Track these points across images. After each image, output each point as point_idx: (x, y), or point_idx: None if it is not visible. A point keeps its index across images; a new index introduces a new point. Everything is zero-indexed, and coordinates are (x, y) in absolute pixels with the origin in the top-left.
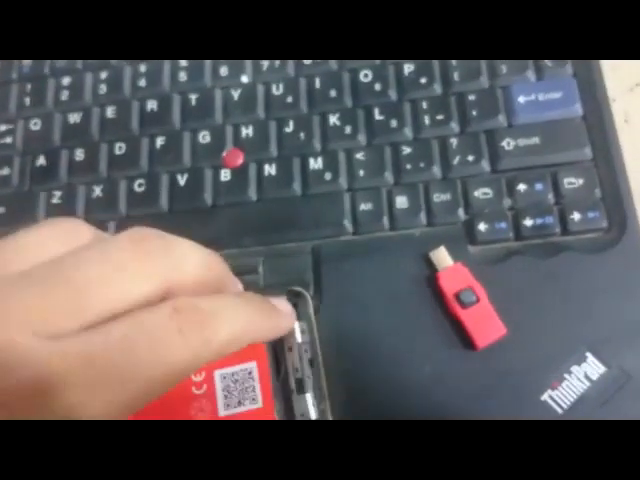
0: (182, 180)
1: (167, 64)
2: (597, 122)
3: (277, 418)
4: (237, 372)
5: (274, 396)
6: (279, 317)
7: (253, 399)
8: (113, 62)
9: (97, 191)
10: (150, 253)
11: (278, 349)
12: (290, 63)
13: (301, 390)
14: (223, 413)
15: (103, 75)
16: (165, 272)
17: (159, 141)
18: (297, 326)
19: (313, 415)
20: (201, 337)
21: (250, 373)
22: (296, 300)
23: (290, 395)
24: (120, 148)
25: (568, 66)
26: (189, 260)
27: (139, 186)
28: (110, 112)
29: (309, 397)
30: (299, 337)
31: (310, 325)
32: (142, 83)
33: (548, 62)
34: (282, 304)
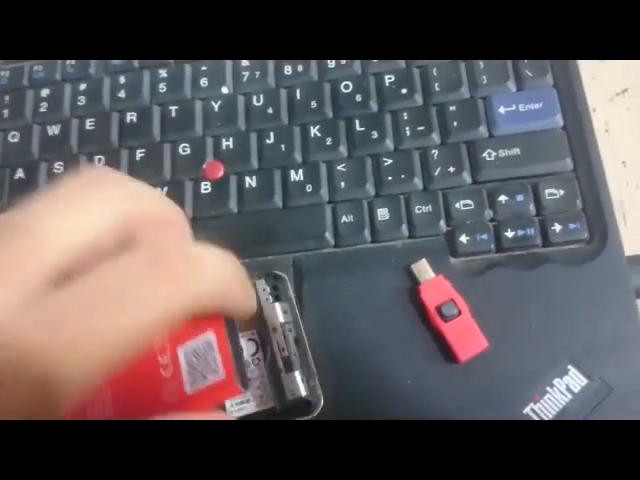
0: (162, 193)
1: (146, 75)
2: (578, 133)
3: (238, 386)
4: (198, 347)
5: (235, 363)
6: (252, 291)
7: (215, 371)
8: (92, 73)
9: None
10: (101, 189)
11: (262, 332)
12: (270, 74)
13: (289, 368)
14: (190, 390)
15: (82, 86)
16: (123, 200)
17: (139, 153)
18: (279, 306)
19: (303, 392)
20: (181, 289)
21: (210, 344)
22: (275, 283)
23: (279, 375)
24: (99, 160)
25: (548, 76)
26: (145, 193)
27: None
28: (89, 124)
29: (297, 374)
30: (281, 317)
31: (292, 306)
32: (121, 94)
33: (528, 72)
34: None
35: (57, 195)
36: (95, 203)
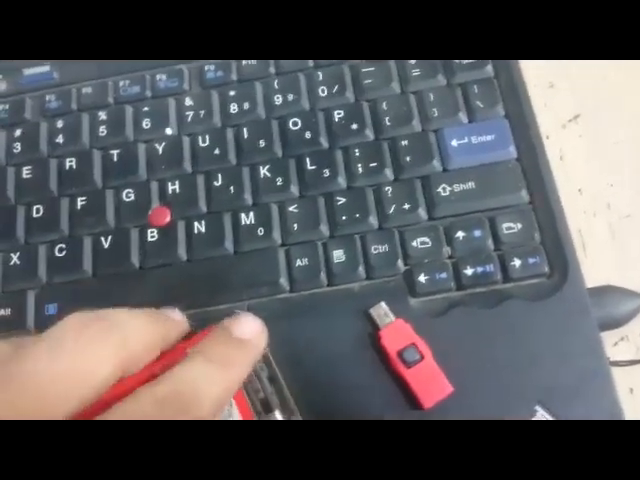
0: (106, 242)
1: (85, 118)
2: (532, 163)
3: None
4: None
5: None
6: None
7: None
8: (27, 117)
9: (14, 258)
10: (95, 340)
11: None
12: (216, 113)
13: (268, 409)
14: None
15: (17, 132)
16: (115, 353)
17: (80, 201)
18: None
19: None
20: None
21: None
22: None
23: (260, 416)
24: (38, 210)
25: (499, 107)
26: (133, 335)
27: (60, 251)
28: (26, 172)
29: (277, 414)
30: None
31: None
32: (59, 139)
33: (479, 103)
34: None
35: (57, 350)
36: (93, 359)
